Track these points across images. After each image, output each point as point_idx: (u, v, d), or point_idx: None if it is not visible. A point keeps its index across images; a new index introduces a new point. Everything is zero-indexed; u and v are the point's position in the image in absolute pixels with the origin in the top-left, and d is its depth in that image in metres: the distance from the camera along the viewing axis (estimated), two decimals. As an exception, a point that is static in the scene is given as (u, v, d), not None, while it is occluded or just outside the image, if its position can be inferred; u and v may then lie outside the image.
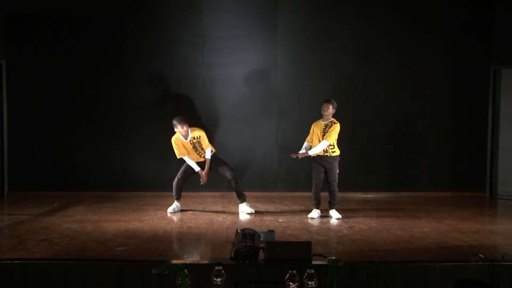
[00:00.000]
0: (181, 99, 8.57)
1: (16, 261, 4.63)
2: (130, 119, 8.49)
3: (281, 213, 7.13)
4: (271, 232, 5.22)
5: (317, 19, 8.61)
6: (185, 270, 3.36)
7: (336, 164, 6.78)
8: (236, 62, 8.49)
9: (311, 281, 3.35)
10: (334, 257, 3.75)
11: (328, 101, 6.79)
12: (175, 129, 7.02)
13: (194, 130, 7.08)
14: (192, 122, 8.47)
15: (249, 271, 4.29)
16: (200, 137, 7.06)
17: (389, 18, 8.65)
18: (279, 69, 8.61)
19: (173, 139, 7.12)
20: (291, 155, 6.86)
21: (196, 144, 7.06)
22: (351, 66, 8.64)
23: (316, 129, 6.81)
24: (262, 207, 7.51)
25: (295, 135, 8.46)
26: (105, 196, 8.09)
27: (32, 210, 7.10)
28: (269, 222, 6.55)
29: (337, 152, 6.77)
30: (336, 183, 6.78)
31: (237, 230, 4.77)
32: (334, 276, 3.56)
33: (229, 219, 6.71)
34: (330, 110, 6.74)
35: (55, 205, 7.45)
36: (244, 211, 7.07)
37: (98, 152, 8.43)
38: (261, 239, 4.74)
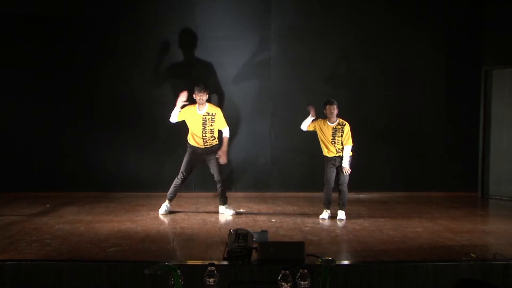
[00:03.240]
0: (173, 100, 8.51)
1: (7, 262, 4.61)
2: (123, 119, 8.46)
3: (274, 213, 7.13)
4: (264, 232, 5.24)
5: (310, 19, 8.62)
6: (178, 271, 3.35)
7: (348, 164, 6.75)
8: (229, 62, 8.49)
9: (304, 281, 3.34)
10: (327, 257, 3.76)
11: (333, 102, 6.68)
12: (194, 96, 6.80)
13: (212, 106, 6.90)
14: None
15: (242, 271, 4.30)
16: (215, 114, 6.84)
17: (382, 18, 8.68)
18: (272, 69, 8.61)
19: (187, 106, 6.88)
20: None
21: (208, 121, 6.81)
22: (344, 66, 8.66)
23: (324, 130, 6.72)
24: (255, 207, 7.51)
25: (288, 135, 8.50)
26: (98, 196, 8.07)
27: (24, 210, 7.06)
28: (262, 222, 6.55)
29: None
30: (346, 184, 6.76)
31: (230, 230, 4.77)
32: (327, 276, 3.56)
33: (222, 219, 6.71)
34: (337, 110, 6.70)
35: (47, 205, 7.42)
36: (225, 213, 7.00)
37: (91, 152, 8.39)
38: (254, 239, 4.75)
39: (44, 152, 8.36)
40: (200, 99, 6.76)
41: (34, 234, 5.69)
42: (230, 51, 8.49)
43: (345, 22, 8.63)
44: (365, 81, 8.66)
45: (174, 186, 7.05)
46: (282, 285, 3.34)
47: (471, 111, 8.77)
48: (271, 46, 8.59)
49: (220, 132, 7.01)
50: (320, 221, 6.65)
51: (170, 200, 7.10)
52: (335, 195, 6.84)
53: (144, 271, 3.44)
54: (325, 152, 6.79)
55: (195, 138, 6.91)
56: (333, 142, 6.70)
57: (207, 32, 8.49)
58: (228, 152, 7.03)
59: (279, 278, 3.37)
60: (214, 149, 6.96)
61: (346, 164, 6.69)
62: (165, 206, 7.05)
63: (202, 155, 6.97)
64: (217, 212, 7.12)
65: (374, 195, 8.56)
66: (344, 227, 6.29)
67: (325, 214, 6.79)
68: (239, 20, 8.53)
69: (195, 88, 6.82)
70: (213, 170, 7.01)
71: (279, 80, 8.60)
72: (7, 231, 5.86)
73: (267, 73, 8.59)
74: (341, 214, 6.76)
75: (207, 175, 8.51)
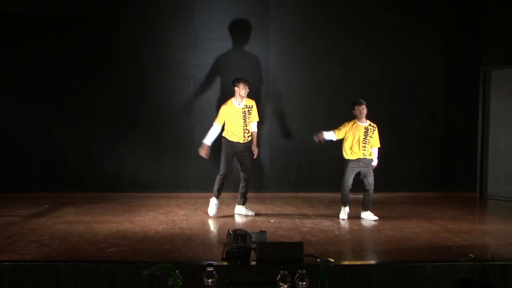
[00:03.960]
0: (173, 100, 8.55)
1: (6, 263, 4.59)
2: (122, 119, 8.46)
3: (273, 213, 7.13)
4: (262, 232, 5.23)
5: (308, 20, 8.63)
6: (177, 271, 3.36)
7: (371, 166, 6.77)
8: (227, 63, 8.49)
9: (303, 281, 3.35)
10: (325, 258, 3.76)
11: (362, 102, 6.64)
12: (236, 88, 6.74)
13: (248, 99, 6.87)
14: (184, 122, 8.52)
15: (240, 271, 4.30)
16: (252, 106, 6.83)
17: (381, 18, 8.68)
18: (271, 70, 8.62)
19: (223, 105, 6.85)
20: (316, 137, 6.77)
21: (247, 114, 6.79)
22: (343, 67, 8.67)
23: (355, 132, 6.67)
24: (253, 207, 7.49)
25: (287, 136, 8.50)
26: (96, 197, 8.05)
27: (22, 211, 7.05)
28: (261, 222, 6.56)
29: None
30: (373, 185, 6.75)
31: (228, 231, 4.77)
32: (326, 276, 3.57)
33: (220, 220, 6.70)
34: (366, 110, 6.67)
35: (46, 206, 7.41)
36: (242, 213, 6.97)
37: (90, 153, 8.40)
38: (252, 239, 4.75)
39: (43, 153, 8.36)
40: (245, 92, 6.73)
41: (33, 235, 5.68)
42: (228, 52, 8.49)
43: (344, 23, 8.64)
44: (365, 81, 8.67)
45: (218, 183, 6.89)
46: (280, 286, 3.35)
47: (470, 111, 8.79)
48: (269, 47, 8.59)
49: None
50: (341, 221, 6.67)
51: (218, 196, 6.95)
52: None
53: (143, 272, 3.45)
54: (349, 155, 6.71)
55: (235, 133, 6.80)
56: (364, 142, 6.66)
57: (206, 32, 8.49)
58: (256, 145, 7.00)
59: (277, 278, 3.37)
60: (249, 145, 6.91)
61: (375, 162, 6.77)
62: (214, 203, 6.93)
63: (238, 150, 6.84)
64: (216, 212, 7.11)
65: (375, 195, 8.54)
66: (342, 227, 6.30)
67: (343, 214, 6.81)
68: (237, 21, 8.53)
69: (240, 81, 6.73)
70: (245, 167, 6.87)
71: (278, 81, 8.61)
72: (5, 232, 5.84)
73: (266, 74, 8.59)
74: (366, 215, 6.76)
75: (205, 175, 8.55)
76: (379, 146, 6.78)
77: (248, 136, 6.88)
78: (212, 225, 6.35)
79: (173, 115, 8.53)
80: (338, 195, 8.39)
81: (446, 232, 6.07)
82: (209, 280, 3.41)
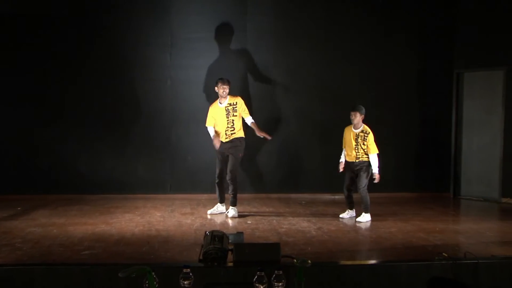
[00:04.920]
0: (149, 101, 8.49)
1: (-23, 267, 4.50)
2: (98, 120, 8.37)
3: (250, 214, 7.13)
4: (239, 234, 5.24)
5: (286, 21, 8.67)
6: (153, 273, 3.33)
7: (366, 169, 6.77)
8: (205, 64, 8.47)
9: (279, 282, 3.36)
10: (302, 258, 3.78)
11: (354, 109, 6.76)
12: (216, 89, 6.87)
13: (232, 97, 6.92)
14: (161, 123, 8.47)
15: (217, 273, 4.29)
16: (237, 103, 6.88)
17: (357, 21, 8.78)
18: (248, 70, 8.62)
19: (210, 106, 7.01)
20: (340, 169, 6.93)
21: (230, 111, 6.85)
22: (319, 68, 8.73)
23: (347, 135, 6.84)
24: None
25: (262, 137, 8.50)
26: (71, 199, 7.94)
27: (-6, 214, 6.91)
28: (238, 223, 6.55)
29: (366, 157, 6.81)
30: (363, 187, 6.75)
31: (205, 232, 4.76)
32: (302, 277, 3.58)
33: (197, 221, 6.68)
34: (358, 118, 6.75)
35: (19, 208, 7.27)
36: (229, 214, 6.95)
37: (64, 154, 8.27)
38: (229, 241, 4.75)
39: (16, 154, 8.21)
40: (223, 91, 6.82)
41: (4, 238, 5.57)
42: (205, 53, 8.48)
43: (320, 24, 8.70)
44: (341, 83, 8.74)
45: (217, 188, 7.06)
46: (257, 287, 3.35)
47: (443, 112, 8.94)
48: (246, 48, 8.60)
49: (244, 124, 7.00)
50: (340, 219, 6.80)
51: (222, 202, 7.12)
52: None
53: (118, 274, 3.41)
54: (344, 156, 6.91)
55: (218, 131, 6.93)
56: (356, 148, 6.75)
57: (183, 33, 8.46)
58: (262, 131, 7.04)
59: (254, 279, 3.37)
60: (235, 144, 6.92)
61: (375, 170, 6.71)
62: (218, 207, 7.10)
63: (224, 149, 6.92)
64: (193, 214, 7.09)
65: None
66: (319, 228, 6.33)
67: (345, 213, 6.92)
68: (215, 22, 8.51)
69: (218, 81, 6.86)
70: (228, 166, 6.93)
71: (255, 82, 8.62)
72: (-24, 235, 5.73)
73: (243, 74, 8.59)
74: (362, 217, 6.77)
75: (182, 176, 8.51)
76: (375, 152, 6.73)
77: (232, 134, 6.90)
78: (189, 227, 6.32)
79: (150, 116, 8.47)
80: (315, 196, 8.52)
81: (421, 232, 6.16)
82: (186, 282, 3.39)
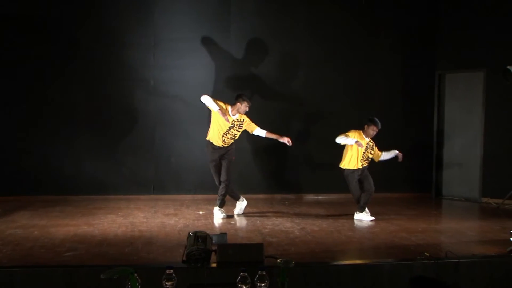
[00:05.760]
0: (132, 101, 8.44)
1: (-45, 270, 4.42)
2: (80, 120, 8.30)
3: (234, 215, 7.12)
4: (223, 234, 5.23)
5: (269, 21, 8.69)
6: (135, 274, 3.31)
7: (367, 172, 7.06)
8: (188, 64, 8.45)
9: (263, 282, 3.37)
10: (285, 259, 3.79)
11: (378, 125, 6.93)
12: (238, 104, 6.81)
13: (242, 115, 6.93)
14: (144, 124, 8.42)
15: (201, 274, 4.28)
16: (244, 121, 6.92)
17: (340, 23, 8.84)
18: (231, 71, 8.62)
19: (223, 103, 6.89)
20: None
21: (236, 127, 6.87)
22: (303, 69, 8.77)
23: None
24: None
25: (246, 137, 8.50)
26: (53, 200, 7.85)
27: (-26, 215, 6.81)
28: (222, 224, 6.55)
29: (366, 163, 7.07)
30: (373, 186, 6.98)
31: (189, 233, 4.75)
32: (285, 277, 3.59)
33: (181, 222, 6.65)
34: (376, 132, 6.96)
35: (-1, 210, 7.18)
36: (216, 215, 6.95)
37: (46, 154, 8.18)
38: (213, 241, 4.74)
39: (-4, 155, 8.10)
40: (243, 109, 6.84)
41: (-15, 240, 5.49)
42: (189, 53, 8.46)
43: (304, 26, 8.74)
44: (322, 83, 8.79)
45: (229, 193, 7.07)
46: (240, 287, 3.35)
47: (426, 113, 9.04)
48: (230, 48, 8.60)
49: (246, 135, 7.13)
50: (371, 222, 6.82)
51: (238, 199, 7.17)
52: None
53: (100, 276, 3.39)
54: (347, 164, 6.98)
55: (215, 137, 6.89)
56: (363, 156, 6.96)
57: (166, 34, 8.43)
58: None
59: (237, 280, 3.38)
60: (230, 148, 6.95)
61: (394, 152, 7.17)
62: (240, 205, 7.15)
63: (220, 152, 6.92)
64: (176, 215, 7.06)
65: (333, 196, 8.67)
66: (302, 228, 6.35)
67: (365, 216, 6.96)
68: (198, 22, 8.50)
69: (243, 97, 6.86)
70: (223, 169, 6.94)
71: (239, 82, 8.62)
72: (-45, 237, 5.63)
73: (227, 75, 8.59)
74: (360, 216, 6.93)
75: (166, 177, 8.47)
76: (382, 153, 7.18)
77: (229, 143, 6.94)
78: (173, 228, 6.30)
79: (133, 116, 8.41)
80: (298, 196, 8.54)
81: (403, 231, 6.22)
82: (169, 283, 3.38)
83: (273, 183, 8.75)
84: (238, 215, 7.08)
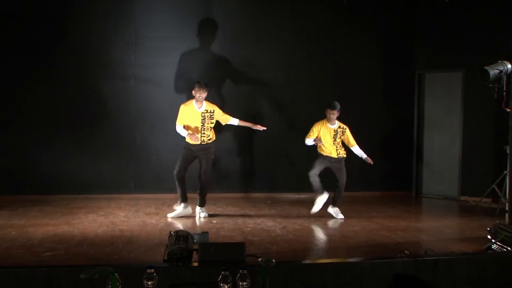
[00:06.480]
0: (113, 100, 8.37)
1: None
2: (60, 119, 8.21)
3: (215, 214, 7.11)
4: (204, 233, 5.22)
5: (251, 20, 8.69)
6: (116, 274, 3.28)
7: (343, 164, 6.97)
8: (170, 63, 8.41)
9: (244, 281, 3.36)
10: (267, 258, 3.79)
11: (335, 107, 6.83)
12: (193, 92, 6.68)
13: (210, 104, 6.81)
14: (125, 122, 8.35)
15: (182, 273, 4.26)
16: (214, 111, 6.79)
17: (321, 22, 8.87)
18: (213, 70, 8.60)
19: (183, 104, 6.77)
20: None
21: (207, 118, 6.73)
22: (285, 68, 8.79)
23: (324, 132, 6.88)
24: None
25: (228, 136, 8.52)
26: (32, 200, 7.73)
27: (-50, 215, 6.67)
28: (203, 223, 6.54)
29: (344, 153, 7.02)
30: (343, 183, 6.95)
31: (170, 232, 4.72)
32: (267, 276, 3.59)
33: (162, 221, 6.62)
34: (337, 114, 6.87)
35: (-23, 210, 7.06)
36: (199, 215, 6.89)
37: (24, 153, 8.07)
38: (194, 240, 4.72)
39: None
40: (199, 96, 6.65)
41: (-39, 241, 5.40)
42: (170, 52, 8.41)
43: (286, 24, 8.75)
44: (305, 82, 8.82)
45: (177, 183, 6.83)
46: (222, 286, 3.35)
47: (405, 113, 9.14)
48: (211, 47, 8.57)
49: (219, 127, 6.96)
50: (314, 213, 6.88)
51: (185, 200, 6.88)
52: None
53: (80, 276, 3.35)
54: (323, 151, 6.95)
55: (192, 130, 6.75)
56: (334, 144, 6.91)
57: (147, 32, 8.37)
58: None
59: (219, 279, 3.37)
60: (207, 146, 6.83)
61: (364, 155, 7.03)
62: (182, 209, 6.86)
63: (196, 152, 6.81)
64: (158, 214, 7.02)
65: (314, 195, 8.69)
66: (284, 227, 6.37)
67: (325, 196, 6.93)
68: (179, 20, 8.46)
69: (195, 84, 6.69)
70: (201, 168, 6.85)
71: (220, 81, 8.60)
72: None
73: (209, 73, 8.56)
74: (332, 210, 6.97)
75: (147, 176, 8.42)
76: (355, 144, 7.05)
77: (208, 140, 6.83)
78: (154, 227, 6.26)
79: (114, 115, 8.34)
80: (280, 195, 8.56)
81: (384, 230, 6.28)
82: (149, 283, 3.35)
83: (254, 182, 8.75)
84: (171, 217, 6.81)
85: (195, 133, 6.68)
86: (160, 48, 8.38)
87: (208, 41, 8.54)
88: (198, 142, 6.69)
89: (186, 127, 6.79)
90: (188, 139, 6.78)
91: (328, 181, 7.22)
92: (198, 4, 8.54)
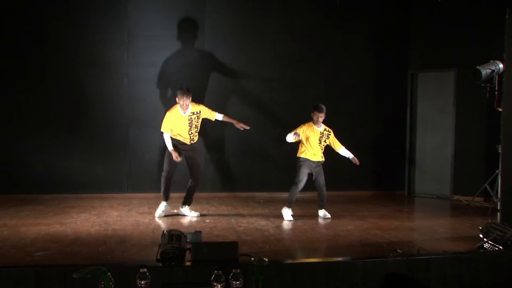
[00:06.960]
0: (106, 99, 8.34)
1: None
2: (53, 119, 8.17)
3: (208, 213, 7.11)
4: (197, 233, 5.22)
5: (244, 20, 8.69)
6: (108, 274, 3.27)
7: (322, 167, 6.97)
8: (162, 62, 8.39)
9: (237, 281, 3.37)
10: (259, 257, 3.79)
11: (322, 109, 6.78)
12: (177, 99, 6.64)
13: (195, 105, 6.76)
14: (118, 121, 8.33)
15: (175, 272, 4.26)
16: (200, 111, 6.75)
17: (314, 22, 8.88)
18: (205, 69, 8.59)
19: (169, 112, 6.72)
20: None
21: (194, 121, 6.70)
22: (278, 68, 8.79)
23: (310, 134, 6.81)
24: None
25: (220, 136, 8.52)
26: (24, 199, 7.69)
27: None
28: (196, 223, 6.53)
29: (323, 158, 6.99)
30: (324, 185, 6.95)
31: (163, 231, 4.72)
32: (260, 275, 3.59)
33: (155, 220, 6.61)
34: (323, 117, 6.83)
35: (-32, 209, 7.02)
36: (188, 215, 6.89)
37: (17, 153, 8.02)
38: (187, 240, 4.72)
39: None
40: (184, 103, 6.61)
41: (-48, 240, 5.36)
42: (163, 51, 8.40)
43: (279, 24, 8.76)
44: (299, 82, 8.83)
45: (163, 183, 6.83)
46: (215, 286, 3.35)
47: (398, 112, 9.18)
48: (204, 46, 8.56)
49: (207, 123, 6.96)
50: (288, 222, 6.67)
51: (166, 199, 6.87)
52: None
53: (73, 275, 3.34)
54: (308, 155, 6.84)
55: (179, 137, 6.74)
56: (320, 147, 6.87)
57: (140, 31, 8.35)
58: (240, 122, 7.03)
59: (212, 278, 3.37)
60: (195, 145, 6.88)
61: (351, 155, 7.02)
62: (162, 207, 6.84)
63: (184, 152, 6.79)
64: (150, 213, 7.00)
65: (307, 194, 8.64)
66: (277, 226, 6.38)
67: (289, 212, 6.83)
68: (172, 19, 8.44)
69: (178, 91, 6.64)
70: (192, 168, 6.86)
71: (213, 81, 8.60)
72: None
73: (200, 73, 8.56)
74: (321, 213, 6.95)
75: (140, 175, 8.40)
76: (341, 146, 7.02)
77: (194, 139, 6.84)
78: (147, 226, 6.25)
79: (107, 115, 8.32)
80: (273, 194, 8.55)
81: (377, 229, 6.29)
82: (142, 282, 3.35)
83: (247, 182, 8.75)
84: (159, 217, 6.77)
85: (177, 153, 6.64)
86: (153, 47, 8.36)
87: (200, 40, 8.53)
88: (179, 159, 6.66)
89: (172, 132, 6.72)
90: (176, 137, 6.73)
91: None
92: (190, 3, 8.53)
